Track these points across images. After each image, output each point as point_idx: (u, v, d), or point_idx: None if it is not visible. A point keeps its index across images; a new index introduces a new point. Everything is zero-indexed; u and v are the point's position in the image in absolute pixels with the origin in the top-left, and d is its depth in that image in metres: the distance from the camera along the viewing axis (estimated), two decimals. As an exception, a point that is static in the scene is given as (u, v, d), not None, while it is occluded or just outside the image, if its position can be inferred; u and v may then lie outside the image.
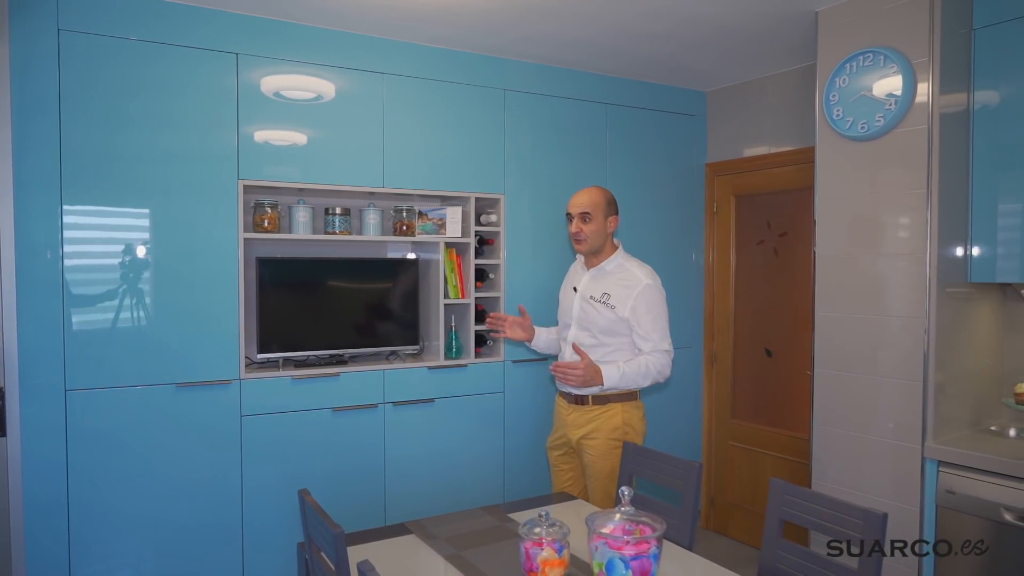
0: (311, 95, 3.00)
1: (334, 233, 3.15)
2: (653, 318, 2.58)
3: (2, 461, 2.47)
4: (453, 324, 3.39)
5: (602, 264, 2.70)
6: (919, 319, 2.55)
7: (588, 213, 2.64)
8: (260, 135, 2.90)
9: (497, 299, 3.44)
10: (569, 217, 2.70)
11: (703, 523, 4.14)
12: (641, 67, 3.62)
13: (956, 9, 2.54)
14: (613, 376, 2.53)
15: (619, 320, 2.60)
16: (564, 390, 2.75)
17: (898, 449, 2.61)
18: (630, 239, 3.81)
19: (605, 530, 1.63)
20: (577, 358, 2.62)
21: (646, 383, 2.59)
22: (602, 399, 2.64)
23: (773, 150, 3.73)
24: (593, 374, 2.52)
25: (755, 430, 3.87)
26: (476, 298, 3.40)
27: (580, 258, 2.85)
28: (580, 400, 2.67)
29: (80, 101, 2.59)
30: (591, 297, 2.67)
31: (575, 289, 2.76)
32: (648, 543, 1.59)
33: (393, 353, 3.40)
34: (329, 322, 3.21)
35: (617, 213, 2.71)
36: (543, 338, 2.95)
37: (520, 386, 3.48)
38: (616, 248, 2.74)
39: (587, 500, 2.70)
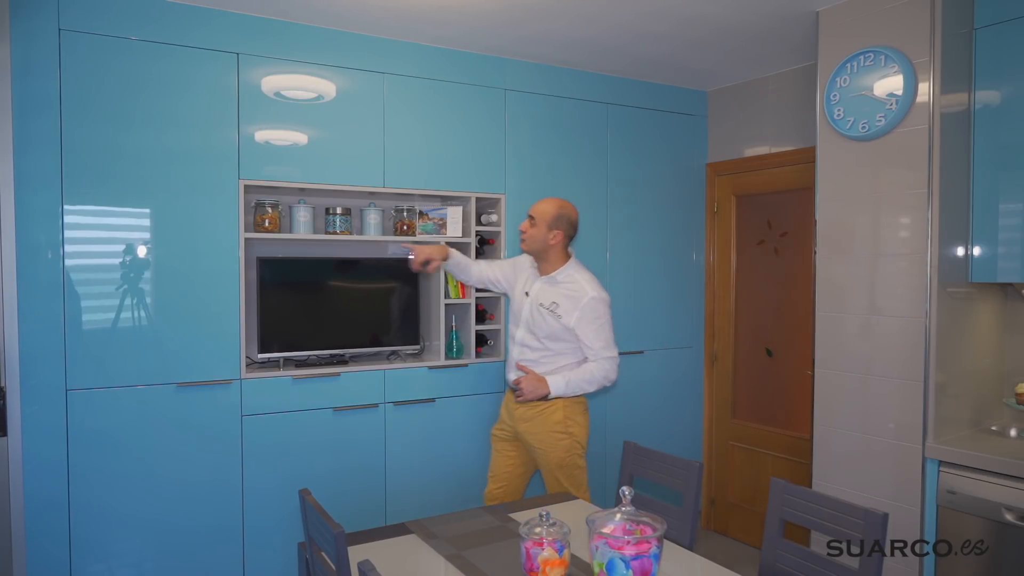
0: (312, 95, 3.00)
1: (335, 233, 3.15)
2: (597, 328, 2.75)
3: (2, 461, 2.47)
4: (454, 324, 3.39)
5: (554, 274, 2.84)
6: (920, 319, 2.54)
7: (534, 218, 2.83)
8: (261, 135, 2.90)
9: (498, 299, 3.44)
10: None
11: (704, 523, 4.14)
12: (642, 67, 3.62)
13: (957, 9, 2.54)
14: (559, 385, 2.74)
15: (564, 329, 2.76)
16: (513, 386, 2.89)
17: (899, 449, 2.61)
18: (630, 239, 3.81)
19: (606, 530, 1.63)
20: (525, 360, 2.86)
21: (592, 388, 2.77)
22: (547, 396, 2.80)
23: (774, 150, 3.73)
24: (537, 384, 2.74)
25: (756, 430, 3.87)
26: (476, 298, 3.39)
27: (532, 264, 2.95)
28: None
29: (81, 100, 2.59)
30: (541, 305, 2.82)
31: (527, 294, 2.90)
32: (649, 543, 1.59)
33: (394, 353, 3.40)
34: (330, 322, 3.21)
35: (564, 231, 2.82)
36: (457, 259, 3.05)
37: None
38: (568, 259, 2.88)
39: (521, 486, 3.01)
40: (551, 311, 2.77)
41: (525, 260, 3.00)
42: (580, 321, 2.73)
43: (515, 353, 2.89)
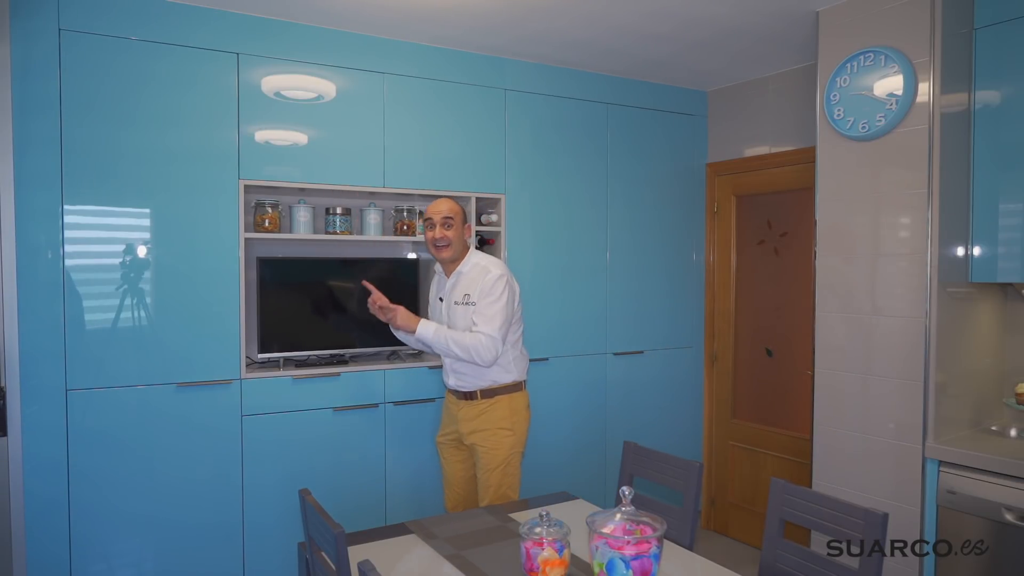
0: (312, 95, 3.00)
1: (335, 233, 3.15)
2: (490, 303, 2.65)
3: (2, 461, 2.47)
4: (454, 324, 3.38)
5: (459, 268, 2.79)
6: (920, 319, 2.54)
7: (451, 219, 2.73)
8: (261, 135, 2.90)
9: (498, 299, 3.44)
10: (429, 223, 2.75)
11: (704, 523, 4.14)
12: (642, 67, 3.62)
13: (957, 9, 2.54)
14: (428, 330, 2.64)
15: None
16: (452, 387, 2.83)
17: (899, 449, 2.61)
18: (630, 239, 3.81)
19: (606, 530, 1.63)
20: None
21: (459, 352, 2.62)
22: (489, 393, 2.75)
23: (774, 150, 3.73)
24: (407, 319, 2.66)
25: (756, 430, 3.87)
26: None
27: (439, 268, 2.92)
28: (470, 396, 2.77)
29: (81, 100, 2.59)
30: (455, 302, 2.76)
31: (441, 299, 2.86)
32: (649, 543, 1.59)
33: (394, 353, 3.40)
34: (330, 322, 3.21)
35: (468, 223, 2.84)
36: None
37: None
38: (468, 249, 2.83)
39: (477, 493, 2.82)
40: (465, 303, 2.71)
41: (433, 280, 2.98)
42: (479, 294, 2.67)
43: (448, 365, 2.80)
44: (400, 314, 2.67)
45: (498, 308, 2.65)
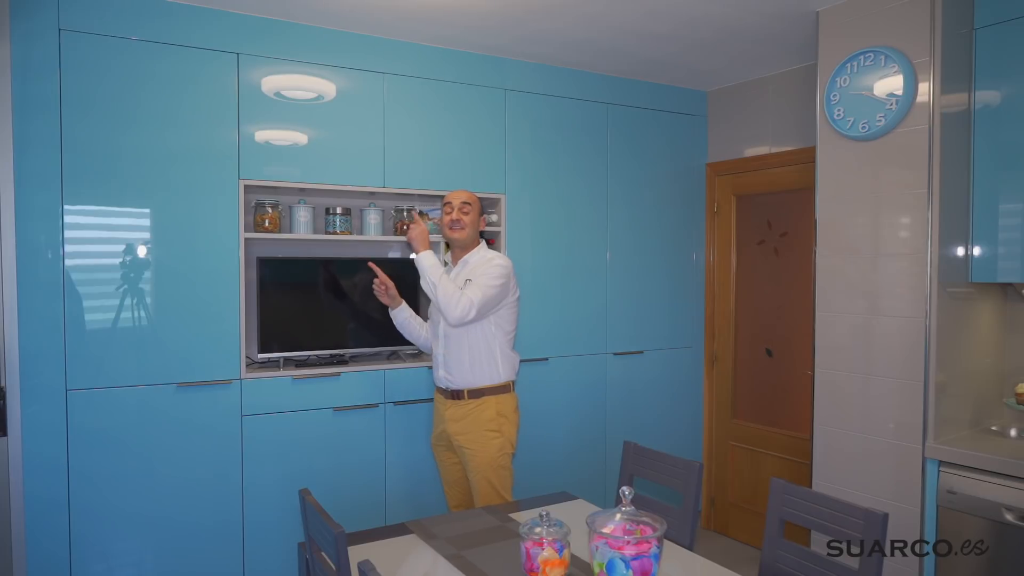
0: (312, 95, 3.00)
1: (335, 233, 3.15)
2: (484, 280, 2.68)
3: (3, 461, 2.47)
4: (454, 324, 3.38)
5: (466, 257, 2.84)
6: (920, 319, 2.54)
7: (469, 204, 2.82)
8: (261, 135, 2.90)
9: (498, 299, 3.44)
10: (448, 207, 2.82)
11: (703, 523, 4.14)
12: (642, 67, 3.62)
13: (957, 9, 2.54)
14: (430, 259, 2.69)
15: None
16: (441, 385, 2.84)
17: (899, 449, 2.61)
18: (630, 239, 3.81)
19: (606, 530, 1.63)
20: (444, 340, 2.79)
21: (436, 291, 2.64)
22: (476, 393, 2.75)
23: (774, 150, 3.73)
24: (421, 239, 2.72)
25: (755, 430, 3.87)
26: (477, 298, 3.39)
27: (448, 258, 2.98)
28: (456, 395, 2.78)
29: (81, 100, 2.59)
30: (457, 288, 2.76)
31: None
32: (649, 543, 1.59)
33: (394, 353, 3.40)
34: (330, 322, 3.21)
35: (483, 216, 2.92)
36: (404, 314, 2.99)
37: (519, 385, 3.48)
38: (480, 243, 2.89)
39: (472, 494, 2.83)
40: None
41: None
42: (478, 276, 2.70)
43: (440, 348, 2.81)
44: (419, 231, 2.73)
45: (489, 287, 2.67)
